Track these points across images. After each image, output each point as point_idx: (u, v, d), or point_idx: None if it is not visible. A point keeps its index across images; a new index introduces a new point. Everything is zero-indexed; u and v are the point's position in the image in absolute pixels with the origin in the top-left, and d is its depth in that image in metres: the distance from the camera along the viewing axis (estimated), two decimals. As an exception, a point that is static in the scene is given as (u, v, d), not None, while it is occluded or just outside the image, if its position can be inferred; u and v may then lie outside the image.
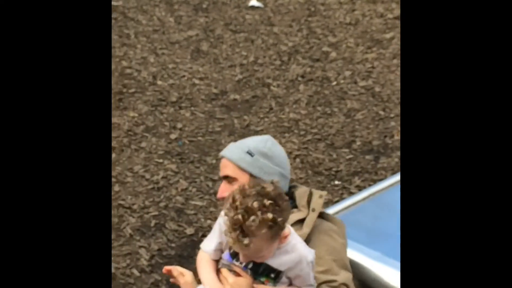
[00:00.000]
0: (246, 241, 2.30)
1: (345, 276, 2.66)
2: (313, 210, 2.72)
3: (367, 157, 5.05)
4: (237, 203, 2.32)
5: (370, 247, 3.14)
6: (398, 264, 2.18)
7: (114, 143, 5.27)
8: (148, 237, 4.35)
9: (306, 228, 2.67)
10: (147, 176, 4.92)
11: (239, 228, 2.30)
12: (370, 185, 4.48)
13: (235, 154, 2.79)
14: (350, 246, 3.14)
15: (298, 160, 5.02)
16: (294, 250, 2.47)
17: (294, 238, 2.49)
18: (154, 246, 4.29)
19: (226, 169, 2.79)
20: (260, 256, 2.43)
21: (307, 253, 2.49)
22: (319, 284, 2.60)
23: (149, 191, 4.77)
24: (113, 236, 4.32)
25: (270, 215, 2.30)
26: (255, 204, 2.30)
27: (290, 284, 2.51)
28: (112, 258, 4.14)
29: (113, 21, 7.23)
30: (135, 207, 4.61)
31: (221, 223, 2.49)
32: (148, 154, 5.17)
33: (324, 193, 2.79)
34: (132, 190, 4.77)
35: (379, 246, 3.13)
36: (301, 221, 2.70)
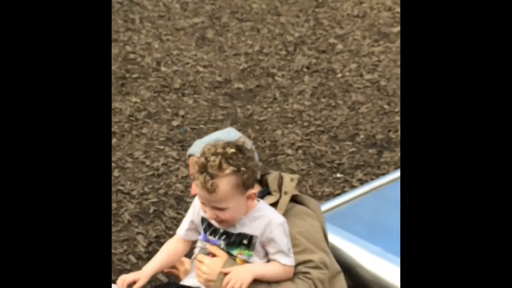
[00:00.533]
0: (211, 182, 2.40)
1: (321, 256, 2.67)
2: (286, 193, 2.76)
3: (370, 151, 5.00)
4: (205, 149, 2.47)
5: (370, 242, 3.11)
6: (399, 260, 2.16)
7: (115, 128, 5.22)
8: (146, 224, 4.32)
9: (280, 211, 2.70)
10: (148, 162, 4.88)
11: (205, 171, 2.42)
12: (372, 179, 4.44)
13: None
14: (350, 240, 3.12)
15: (300, 151, 4.98)
16: (263, 215, 2.55)
17: (262, 204, 2.58)
18: (152, 233, 4.25)
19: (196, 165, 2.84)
20: (227, 210, 2.47)
21: (277, 216, 2.57)
22: (297, 265, 2.62)
23: (149, 178, 4.73)
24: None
25: (232, 153, 2.43)
26: (221, 149, 2.45)
27: (266, 257, 2.55)
28: (109, 244, 4.11)
29: (118, 5, 7.18)
30: (134, 193, 4.57)
31: (194, 204, 2.62)
32: (149, 140, 5.13)
33: (295, 176, 2.84)
34: (132, 176, 4.73)
35: (380, 241, 3.10)
36: (273, 205, 2.72)
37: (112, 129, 5.20)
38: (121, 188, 4.60)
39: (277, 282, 2.56)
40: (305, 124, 5.34)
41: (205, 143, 2.89)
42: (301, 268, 2.62)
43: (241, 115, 5.48)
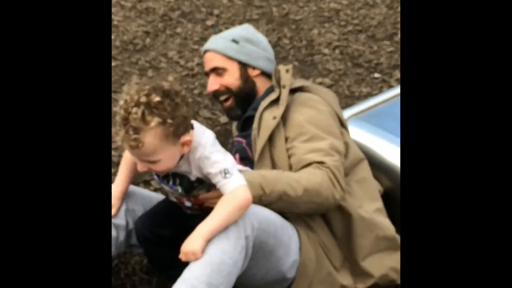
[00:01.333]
0: (133, 137, 2.12)
1: (330, 141, 2.58)
2: (284, 86, 2.67)
3: (409, 50, 4.88)
4: (127, 97, 2.16)
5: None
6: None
7: (148, 28, 5.15)
8: (181, 124, 4.29)
9: (281, 106, 2.63)
10: (182, 62, 4.81)
11: (127, 124, 2.13)
12: (411, 79, 4.35)
13: (220, 44, 2.76)
14: (388, 140, 3.06)
15: (337, 51, 4.87)
16: (194, 149, 2.31)
17: (195, 130, 2.33)
18: (187, 133, 4.22)
19: (213, 61, 2.76)
20: (159, 162, 2.24)
21: (206, 135, 2.33)
22: (308, 153, 2.53)
23: (183, 78, 4.67)
24: (145, 121, 4.27)
25: (157, 102, 2.14)
26: (144, 98, 2.13)
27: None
28: (144, 144, 4.10)
29: None
30: (168, 93, 4.53)
31: None
32: (183, 40, 5.05)
33: (289, 66, 2.72)
34: (166, 76, 4.68)
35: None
36: (276, 101, 2.66)
37: (146, 29, 5.13)
38: (155, 88, 4.56)
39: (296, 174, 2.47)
40: (342, 23, 5.21)
41: (222, 38, 2.79)
42: (314, 157, 2.51)
43: (276, 14, 5.36)
